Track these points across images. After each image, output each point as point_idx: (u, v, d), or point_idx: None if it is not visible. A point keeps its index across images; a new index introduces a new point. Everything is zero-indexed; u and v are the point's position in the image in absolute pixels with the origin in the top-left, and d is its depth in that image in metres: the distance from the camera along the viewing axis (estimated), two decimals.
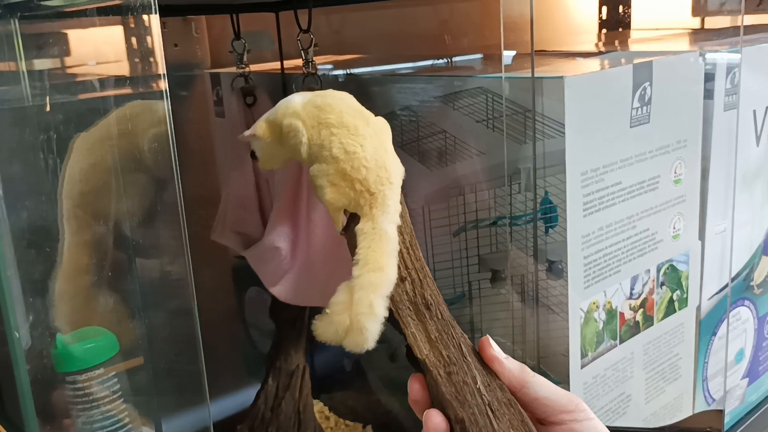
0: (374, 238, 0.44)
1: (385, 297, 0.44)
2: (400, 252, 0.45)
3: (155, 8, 0.38)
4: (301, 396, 0.71)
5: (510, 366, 0.45)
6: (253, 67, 0.77)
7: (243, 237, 0.73)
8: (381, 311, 0.44)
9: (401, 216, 0.47)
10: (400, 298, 0.44)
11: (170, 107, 0.40)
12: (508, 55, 0.64)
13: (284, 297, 0.70)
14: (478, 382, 0.43)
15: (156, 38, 0.39)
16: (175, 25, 0.89)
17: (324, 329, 0.45)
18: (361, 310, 0.43)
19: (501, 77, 0.59)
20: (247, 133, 0.52)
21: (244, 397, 0.81)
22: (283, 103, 0.51)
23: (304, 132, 0.48)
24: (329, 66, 0.86)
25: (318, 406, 0.85)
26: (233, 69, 0.77)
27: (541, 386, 0.45)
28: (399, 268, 0.45)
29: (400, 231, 0.46)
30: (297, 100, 0.50)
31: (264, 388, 0.72)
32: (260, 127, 0.51)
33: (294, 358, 0.73)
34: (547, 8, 1.09)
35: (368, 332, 0.43)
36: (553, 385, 0.45)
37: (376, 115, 0.51)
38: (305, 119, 0.49)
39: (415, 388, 0.45)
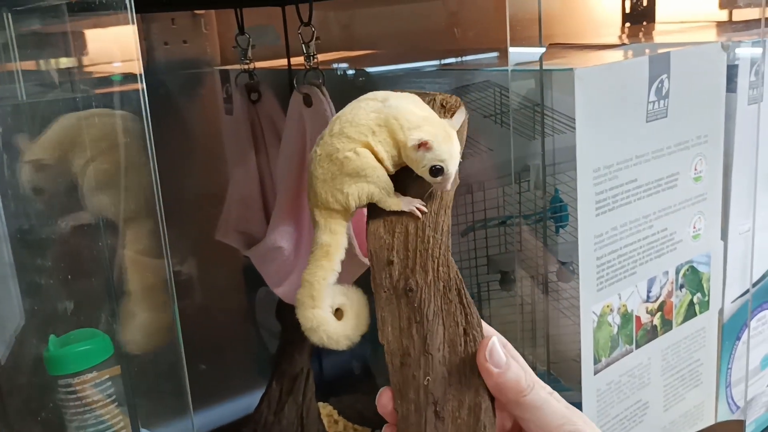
0: (312, 251, 0.44)
1: (308, 306, 0.43)
2: (395, 235, 0.43)
3: (131, 5, 0.37)
4: (305, 400, 0.69)
5: (499, 380, 0.41)
6: (261, 64, 0.75)
7: (246, 236, 0.71)
8: (303, 321, 0.43)
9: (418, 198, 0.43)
10: (382, 282, 0.43)
11: (147, 106, 0.39)
12: (537, 51, 0.62)
13: (289, 298, 0.68)
14: (429, 380, 0.42)
15: (133, 35, 0.38)
16: (184, 21, 0.88)
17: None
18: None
19: (507, 70, 0.57)
20: None
21: (255, 399, 0.79)
22: None
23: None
24: (343, 63, 0.84)
25: (327, 409, 0.84)
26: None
27: (533, 408, 0.41)
28: (390, 250, 0.43)
29: (412, 218, 0.43)
30: None
31: (268, 391, 0.71)
32: None
33: (298, 361, 0.71)
34: (570, 3, 1.07)
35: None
36: (552, 406, 0.41)
37: None
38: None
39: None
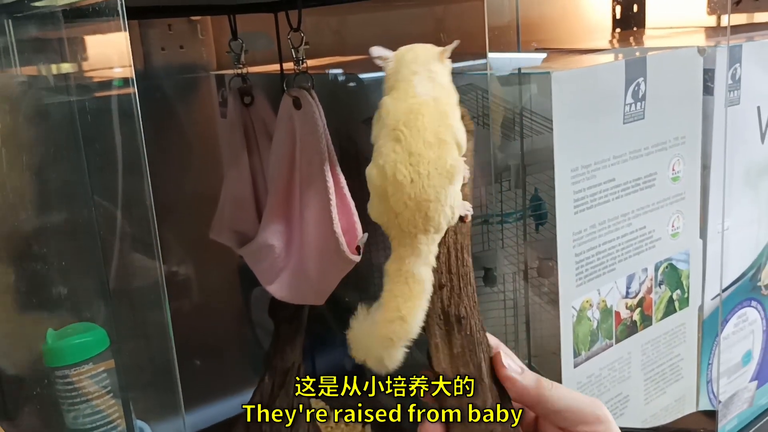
0: (398, 282, 0.40)
1: (403, 345, 0.40)
2: (447, 253, 0.41)
3: (123, 12, 0.39)
4: (296, 394, 0.71)
5: (524, 383, 0.42)
6: (254, 68, 0.78)
7: (240, 235, 0.73)
8: (393, 362, 0.41)
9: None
10: (434, 306, 0.41)
11: (139, 108, 0.41)
12: (516, 56, 0.64)
13: (280, 295, 0.70)
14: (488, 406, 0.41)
15: (125, 40, 0.40)
16: (180, 27, 0.90)
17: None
18: (373, 364, 0.42)
19: (487, 74, 0.59)
20: None
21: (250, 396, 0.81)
22: None
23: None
24: (334, 68, 0.86)
25: (319, 404, 0.85)
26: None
27: (559, 399, 0.42)
28: (440, 273, 0.41)
29: (452, 230, 0.41)
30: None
31: (260, 386, 0.73)
32: None
33: (290, 356, 0.73)
34: (562, 9, 1.09)
35: (385, 366, 0.41)
36: (574, 394, 0.43)
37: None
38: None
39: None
